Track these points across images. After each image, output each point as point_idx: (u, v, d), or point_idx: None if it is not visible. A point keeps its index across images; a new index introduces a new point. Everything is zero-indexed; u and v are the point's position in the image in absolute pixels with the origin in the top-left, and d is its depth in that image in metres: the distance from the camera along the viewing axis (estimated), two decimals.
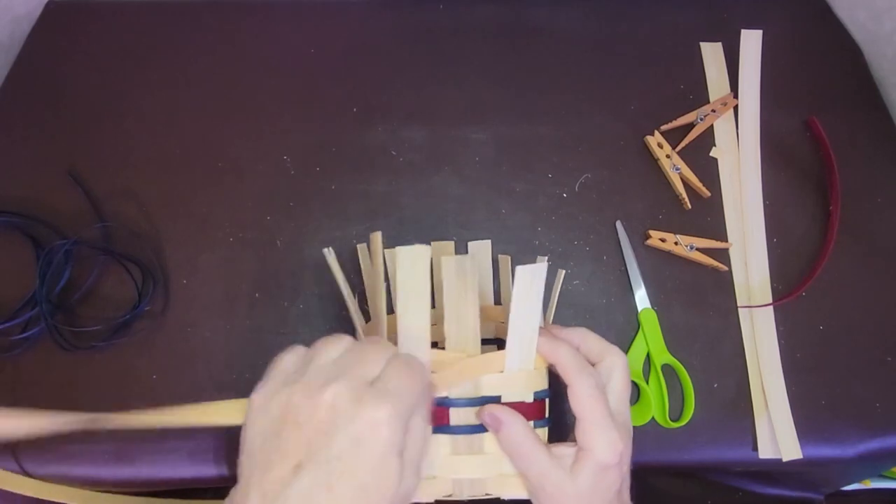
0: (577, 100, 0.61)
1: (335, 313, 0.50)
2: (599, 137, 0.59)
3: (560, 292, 0.52)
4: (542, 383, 0.37)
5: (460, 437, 0.35)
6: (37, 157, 0.56)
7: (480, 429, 0.35)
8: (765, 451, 0.47)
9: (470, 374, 0.35)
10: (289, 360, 0.31)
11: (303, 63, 0.62)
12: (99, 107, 0.59)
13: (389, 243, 0.52)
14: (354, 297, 0.44)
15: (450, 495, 0.36)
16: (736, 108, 0.60)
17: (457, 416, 0.35)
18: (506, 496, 0.36)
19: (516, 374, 0.36)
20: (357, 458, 0.26)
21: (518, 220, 0.55)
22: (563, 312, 0.51)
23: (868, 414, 0.49)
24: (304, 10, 0.66)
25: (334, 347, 0.31)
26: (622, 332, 0.51)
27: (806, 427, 0.48)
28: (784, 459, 0.47)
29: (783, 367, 0.50)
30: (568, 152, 0.58)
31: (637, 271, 0.52)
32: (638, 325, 0.50)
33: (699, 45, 0.64)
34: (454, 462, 0.35)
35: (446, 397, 0.35)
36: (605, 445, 0.33)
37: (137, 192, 0.55)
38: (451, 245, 0.53)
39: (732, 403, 0.49)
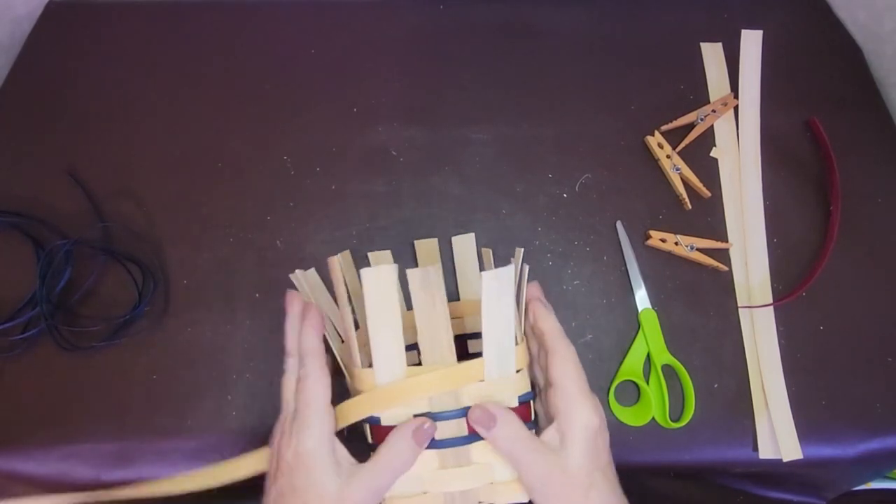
0: (578, 100, 0.61)
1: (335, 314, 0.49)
2: (600, 138, 0.59)
3: (560, 293, 0.52)
4: (526, 385, 0.37)
5: (447, 451, 0.35)
6: (37, 157, 0.56)
7: (466, 440, 0.35)
8: (765, 452, 0.47)
9: (448, 385, 0.35)
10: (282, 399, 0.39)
11: (303, 63, 0.62)
12: (99, 107, 0.59)
13: (389, 243, 0.52)
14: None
15: None
16: (736, 109, 0.60)
17: (442, 430, 0.35)
18: None
19: (497, 381, 0.35)
20: (296, 480, 0.34)
21: (518, 220, 0.55)
22: (564, 313, 0.51)
23: (868, 414, 0.49)
24: (304, 10, 0.66)
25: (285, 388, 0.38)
26: (622, 333, 0.51)
27: (806, 427, 0.48)
28: (784, 460, 0.47)
29: (783, 367, 0.50)
30: (568, 152, 0.58)
31: (637, 271, 0.52)
32: (638, 326, 0.50)
33: (699, 46, 0.64)
34: (443, 476, 0.35)
35: (429, 412, 0.35)
36: (588, 409, 0.35)
37: (138, 192, 0.55)
38: (434, 242, 0.52)
39: (733, 404, 0.49)
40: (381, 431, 0.36)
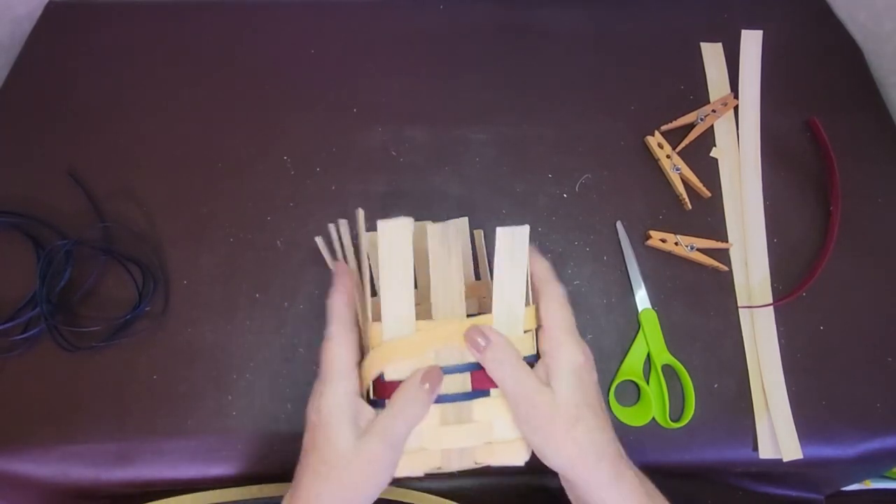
0: (578, 100, 0.61)
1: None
2: (600, 138, 0.59)
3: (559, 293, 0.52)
4: (531, 348, 0.37)
5: (449, 406, 0.36)
6: (37, 157, 0.56)
7: (469, 396, 0.36)
8: (765, 452, 0.47)
9: (454, 338, 0.35)
10: None
11: (303, 63, 0.62)
12: (99, 107, 0.59)
13: None
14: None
15: (439, 468, 0.36)
16: (736, 109, 0.60)
17: (446, 385, 0.35)
18: (494, 464, 0.37)
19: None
20: (316, 438, 0.35)
21: (518, 220, 0.54)
22: None
23: (868, 414, 0.49)
24: (303, 10, 0.66)
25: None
26: (622, 333, 0.51)
27: (806, 427, 0.48)
28: (784, 459, 0.47)
29: (783, 367, 0.50)
30: (568, 153, 0.58)
31: (637, 272, 0.52)
32: (638, 326, 0.50)
33: (699, 46, 0.64)
34: (443, 432, 0.36)
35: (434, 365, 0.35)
36: (573, 346, 0.35)
37: (138, 192, 0.55)
38: (427, 225, 0.52)
39: (733, 403, 0.49)
40: (384, 387, 0.36)
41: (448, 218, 0.54)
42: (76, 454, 0.46)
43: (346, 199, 0.55)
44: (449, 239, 0.35)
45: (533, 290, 0.38)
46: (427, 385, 0.34)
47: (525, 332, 0.36)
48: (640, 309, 0.51)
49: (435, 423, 0.36)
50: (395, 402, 0.35)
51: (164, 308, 0.50)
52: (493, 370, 0.35)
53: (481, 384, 0.36)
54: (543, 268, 0.39)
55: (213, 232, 0.53)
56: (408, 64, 0.63)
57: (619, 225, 0.54)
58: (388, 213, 0.54)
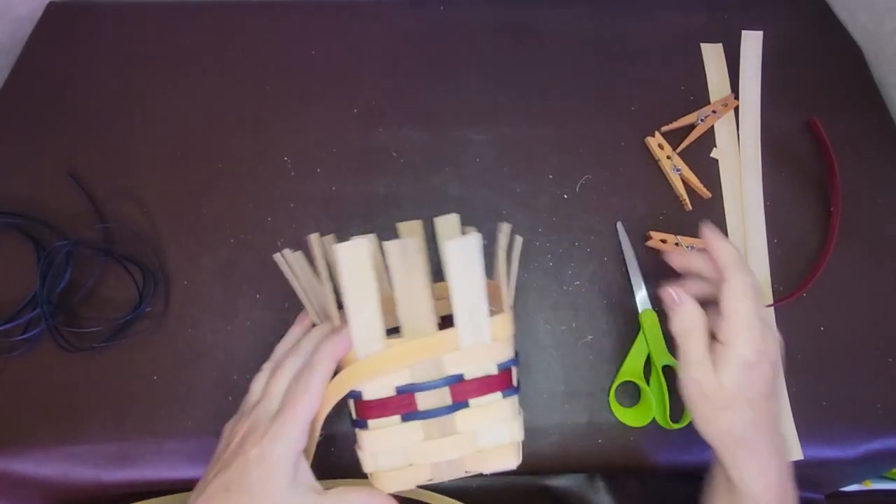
0: (578, 101, 0.61)
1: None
2: (600, 138, 0.59)
3: (560, 293, 0.52)
4: (506, 353, 0.37)
5: (432, 421, 0.36)
6: (38, 157, 0.56)
7: (450, 410, 0.36)
8: None
9: (426, 353, 0.35)
10: (250, 389, 0.39)
11: (303, 64, 0.62)
12: (100, 108, 0.59)
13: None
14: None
15: (430, 479, 0.36)
16: (737, 109, 0.60)
17: (425, 401, 0.35)
18: (485, 471, 0.37)
19: (473, 348, 0.36)
20: (250, 478, 0.33)
21: (519, 221, 0.55)
22: (565, 314, 0.51)
23: (869, 415, 0.49)
24: (304, 11, 0.66)
25: (259, 384, 0.38)
26: (623, 333, 0.51)
27: (807, 428, 0.48)
28: None
29: (784, 367, 0.49)
30: (568, 153, 0.58)
31: (638, 273, 0.52)
32: (638, 326, 0.50)
33: (700, 46, 0.64)
34: (429, 447, 0.36)
35: (411, 384, 0.35)
36: (744, 341, 0.36)
37: (138, 192, 0.55)
38: (418, 224, 0.52)
39: None
40: (364, 407, 0.36)
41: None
42: (76, 454, 0.46)
43: (347, 200, 0.55)
44: (409, 256, 0.35)
45: (719, 274, 0.38)
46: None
47: (494, 340, 0.36)
48: (640, 310, 0.51)
49: (419, 439, 0.36)
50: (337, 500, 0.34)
51: (165, 309, 0.50)
52: (675, 330, 0.38)
53: (461, 396, 0.36)
54: (728, 254, 0.38)
55: (214, 232, 0.53)
56: (408, 64, 0.63)
57: (619, 226, 0.54)
58: (388, 214, 0.54)
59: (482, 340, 0.36)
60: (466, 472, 0.37)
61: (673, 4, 0.67)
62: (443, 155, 0.58)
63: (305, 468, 0.35)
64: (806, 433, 0.47)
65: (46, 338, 0.48)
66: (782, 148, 0.59)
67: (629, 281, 0.52)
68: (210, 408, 0.47)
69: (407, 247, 0.35)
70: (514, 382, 0.38)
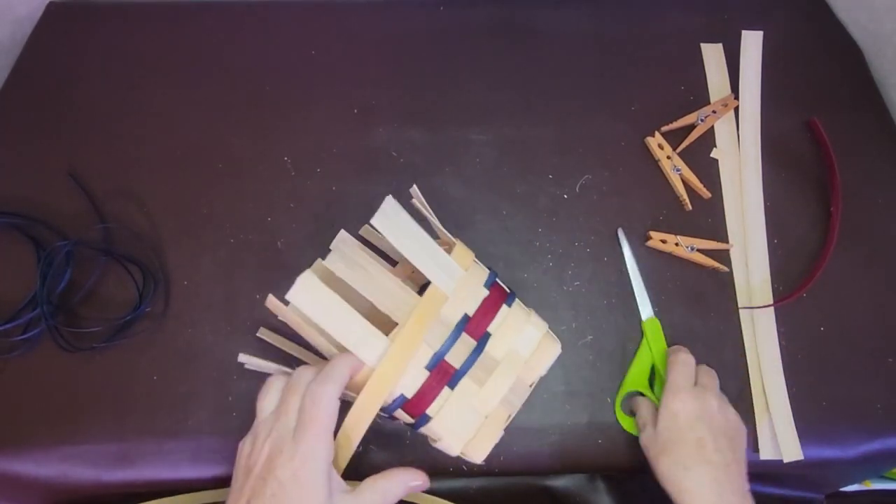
0: (578, 101, 0.61)
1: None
2: (600, 139, 0.59)
3: (560, 293, 0.52)
4: (483, 272, 0.38)
5: (474, 369, 0.36)
6: (38, 157, 0.56)
7: (479, 349, 0.37)
8: (766, 452, 0.47)
9: (425, 320, 0.36)
10: (258, 408, 0.37)
11: (303, 64, 0.62)
12: (100, 108, 0.59)
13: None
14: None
15: (510, 416, 0.38)
16: (737, 109, 0.60)
17: (456, 358, 0.36)
18: (543, 372, 0.39)
19: (457, 287, 0.37)
20: (287, 496, 0.32)
21: (519, 221, 0.55)
22: (565, 314, 0.51)
23: (869, 415, 0.49)
24: (304, 11, 0.66)
25: (268, 400, 0.36)
26: (623, 333, 0.51)
27: (807, 428, 0.48)
28: (785, 460, 0.47)
29: (784, 368, 0.49)
30: (568, 153, 0.58)
31: (640, 282, 0.52)
32: (642, 335, 0.50)
33: (700, 47, 0.64)
34: (488, 391, 0.37)
35: (434, 354, 0.36)
36: (676, 399, 0.44)
37: (138, 192, 0.55)
38: (323, 263, 0.52)
39: (733, 404, 0.48)
40: (415, 403, 0.36)
41: (448, 219, 0.54)
42: (76, 455, 0.46)
43: (347, 200, 0.55)
44: (353, 258, 0.36)
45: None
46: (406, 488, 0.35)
47: (466, 270, 0.38)
48: (643, 318, 0.51)
49: (476, 390, 0.36)
50: (367, 494, 0.34)
51: (165, 309, 0.50)
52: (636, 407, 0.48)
53: (479, 331, 0.37)
54: (673, 349, 0.48)
55: (214, 232, 0.53)
56: (408, 64, 0.63)
57: (620, 233, 0.54)
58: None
59: (458, 275, 0.37)
60: (530, 385, 0.38)
61: (673, 4, 0.67)
62: (443, 155, 0.58)
63: (335, 476, 0.34)
64: (806, 433, 0.47)
65: (46, 338, 0.48)
66: (782, 148, 0.59)
67: (629, 281, 0.52)
68: (210, 408, 0.47)
69: (345, 253, 0.36)
70: (507, 289, 0.39)
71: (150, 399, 0.47)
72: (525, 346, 0.38)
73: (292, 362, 0.47)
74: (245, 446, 0.35)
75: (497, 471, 0.47)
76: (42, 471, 0.45)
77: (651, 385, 0.49)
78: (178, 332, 0.49)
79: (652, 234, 0.53)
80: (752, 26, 0.63)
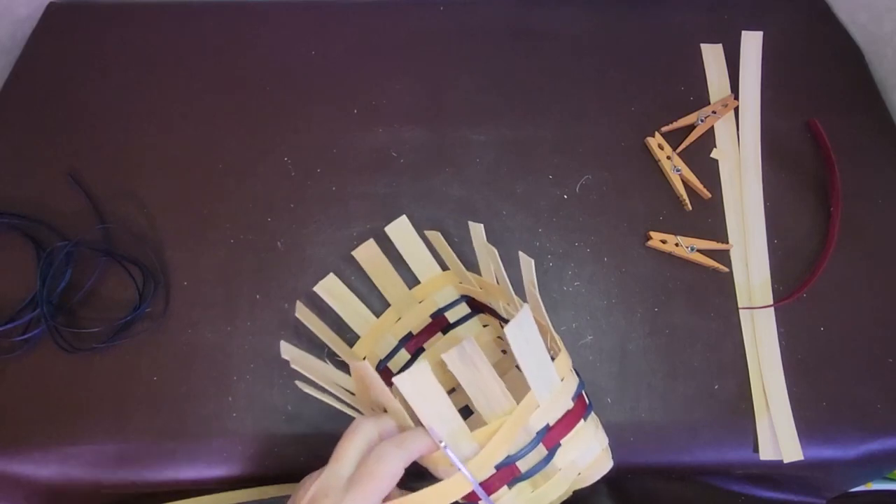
0: (578, 101, 0.61)
1: (334, 317, 0.49)
2: (600, 139, 0.59)
3: (560, 293, 0.52)
4: (574, 383, 0.38)
5: (537, 476, 0.36)
6: (38, 158, 0.56)
7: (548, 459, 0.36)
8: (766, 453, 0.47)
9: (514, 429, 0.35)
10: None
11: (303, 64, 0.62)
12: (100, 108, 0.59)
13: (389, 244, 0.52)
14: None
15: None
16: (737, 110, 0.60)
17: (525, 464, 0.36)
18: (588, 484, 0.38)
19: (550, 398, 0.36)
20: None
21: (519, 221, 0.55)
22: (565, 314, 0.51)
23: (869, 415, 0.48)
24: (304, 12, 0.66)
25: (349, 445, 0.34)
26: (623, 333, 0.51)
27: (807, 428, 0.48)
28: (785, 461, 0.47)
29: (784, 368, 0.49)
30: (568, 154, 0.58)
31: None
32: (642, 334, 0.50)
33: (700, 47, 0.64)
34: (539, 495, 0.36)
35: (507, 457, 0.35)
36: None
37: (138, 193, 0.55)
38: (404, 219, 0.52)
39: (733, 405, 0.49)
40: (471, 495, 0.35)
41: (448, 218, 0.54)
42: (76, 455, 0.46)
43: (347, 201, 0.55)
44: (470, 356, 0.35)
45: None
46: None
47: (562, 380, 0.37)
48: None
49: (528, 493, 0.36)
50: None
51: (165, 309, 0.50)
52: None
53: (552, 442, 0.36)
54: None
55: (214, 233, 0.53)
56: (408, 64, 0.63)
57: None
58: (388, 214, 0.54)
59: (555, 388, 0.36)
60: (574, 492, 0.37)
61: (673, 4, 0.67)
62: (443, 155, 0.58)
63: None
64: (806, 433, 0.47)
65: (46, 338, 0.48)
66: (782, 148, 0.59)
67: (630, 281, 0.52)
68: (210, 408, 0.47)
69: (465, 349, 0.34)
70: (587, 401, 0.38)
71: (151, 400, 0.47)
72: (585, 459, 0.37)
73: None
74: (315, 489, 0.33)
75: None
76: (42, 471, 0.45)
77: None
78: (178, 333, 0.49)
79: (652, 234, 0.53)
80: (752, 26, 0.63)
